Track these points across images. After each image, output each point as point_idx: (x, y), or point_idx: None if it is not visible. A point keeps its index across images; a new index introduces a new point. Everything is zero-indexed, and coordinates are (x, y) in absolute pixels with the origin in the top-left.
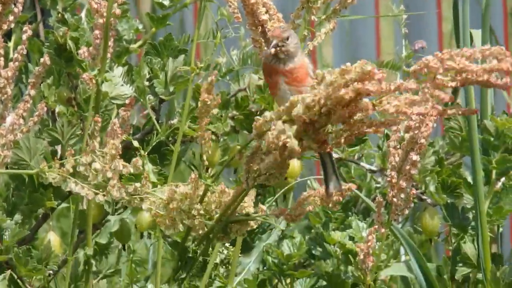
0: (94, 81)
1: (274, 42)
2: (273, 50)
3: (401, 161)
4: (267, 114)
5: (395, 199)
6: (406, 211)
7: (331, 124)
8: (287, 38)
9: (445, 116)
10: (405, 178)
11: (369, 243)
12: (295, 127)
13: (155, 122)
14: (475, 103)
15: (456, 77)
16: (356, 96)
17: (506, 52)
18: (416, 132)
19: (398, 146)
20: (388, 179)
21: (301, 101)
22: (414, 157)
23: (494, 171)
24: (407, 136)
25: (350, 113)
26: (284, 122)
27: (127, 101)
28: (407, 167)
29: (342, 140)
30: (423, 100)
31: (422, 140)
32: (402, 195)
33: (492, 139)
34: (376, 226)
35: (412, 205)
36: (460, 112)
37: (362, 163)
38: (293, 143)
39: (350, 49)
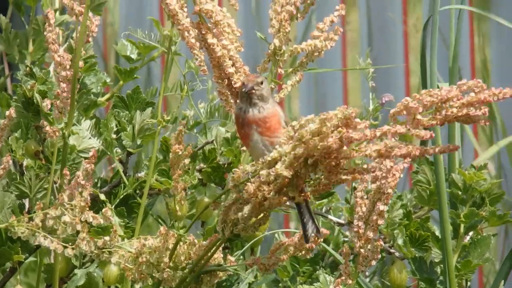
0: (60, 134)
1: (250, 85)
2: (248, 91)
3: (368, 211)
4: (247, 167)
5: (362, 250)
6: (373, 262)
7: (313, 173)
8: (261, 83)
9: (427, 155)
10: (372, 229)
11: None
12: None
13: (123, 175)
14: (443, 156)
15: (436, 115)
16: (341, 144)
17: (483, 85)
18: (383, 182)
19: (365, 197)
20: (355, 229)
21: (286, 156)
22: (381, 207)
23: (462, 225)
24: (373, 186)
25: (337, 161)
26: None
27: (90, 154)
28: (374, 218)
29: (320, 188)
30: (404, 143)
31: (389, 190)
32: (369, 246)
33: (460, 193)
34: (343, 278)
35: (379, 256)
36: (440, 151)
37: (330, 216)
38: (275, 196)
39: (318, 102)
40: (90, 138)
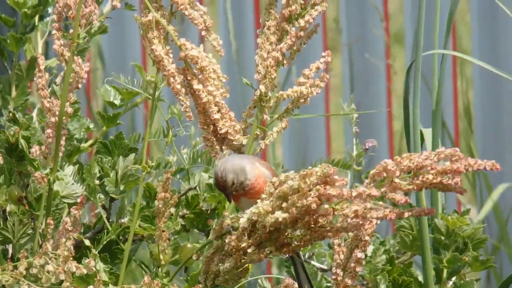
0: (46, 180)
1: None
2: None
3: (346, 258)
4: (227, 220)
5: None
6: None
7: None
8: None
9: (403, 218)
10: (350, 276)
11: None
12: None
13: (106, 221)
14: (426, 201)
15: (413, 180)
16: (320, 202)
17: (460, 154)
18: (360, 229)
19: (342, 244)
20: (334, 277)
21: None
22: (359, 254)
23: (445, 270)
24: (351, 234)
25: (315, 219)
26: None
27: (78, 200)
28: (352, 265)
29: (302, 243)
30: (382, 205)
31: (366, 238)
32: None
33: (443, 238)
34: None
35: None
36: (417, 213)
37: (313, 262)
38: (253, 253)
39: (300, 147)
40: (73, 184)
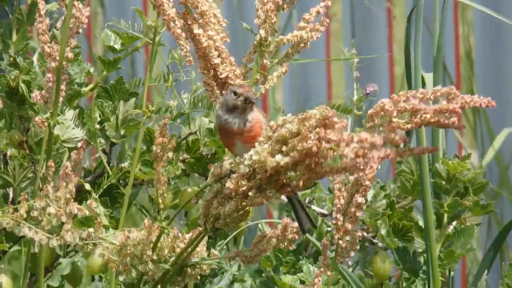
0: (46, 124)
1: (250, 95)
2: (251, 102)
3: (346, 203)
4: (226, 164)
5: (340, 242)
6: (352, 254)
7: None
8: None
9: (403, 157)
10: (350, 221)
11: (315, 287)
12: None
13: (106, 165)
14: (427, 145)
15: (411, 119)
16: (319, 145)
17: (456, 92)
18: (360, 174)
19: (343, 189)
20: (334, 221)
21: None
22: (359, 199)
23: (445, 215)
24: (351, 178)
25: (316, 161)
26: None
27: (79, 144)
28: (352, 210)
29: (301, 183)
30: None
31: (367, 182)
32: (348, 238)
33: (443, 182)
34: (322, 269)
35: (358, 247)
36: (418, 152)
37: (313, 207)
38: (254, 196)
39: (301, 92)
40: (73, 128)
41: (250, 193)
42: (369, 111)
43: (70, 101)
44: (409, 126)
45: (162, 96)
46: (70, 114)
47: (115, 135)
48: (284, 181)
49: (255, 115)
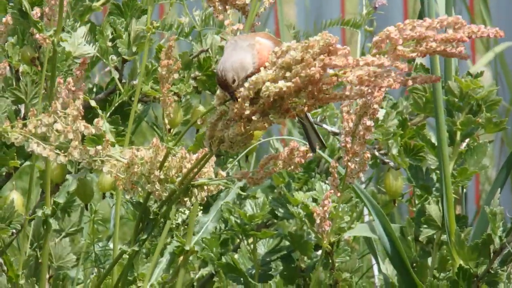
0: (49, 41)
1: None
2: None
3: (354, 125)
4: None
5: (349, 164)
6: (361, 175)
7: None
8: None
9: (409, 86)
10: (359, 143)
11: (325, 208)
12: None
13: (118, 82)
14: (440, 63)
15: (416, 47)
16: (324, 72)
17: (463, 21)
18: (368, 98)
19: (351, 111)
20: (343, 144)
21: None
22: (368, 122)
23: (458, 132)
24: (359, 101)
25: (319, 88)
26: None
27: (80, 61)
28: (361, 132)
29: (306, 109)
30: (387, 71)
31: (375, 106)
32: (357, 159)
33: (456, 100)
34: (331, 190)
35: (367, 168)
36: (421, 81)
37: (324, 125)
38: (257, 120)
39: (313, 8)
40: (85, 44)
41: (253, 118)
42: (374, 39)
43: (82, 16)
44: (414, 54)
45: (173, 13)
46: (81, 30)
47: (127, 52)
48: (289, 105)
49: (258, 52)
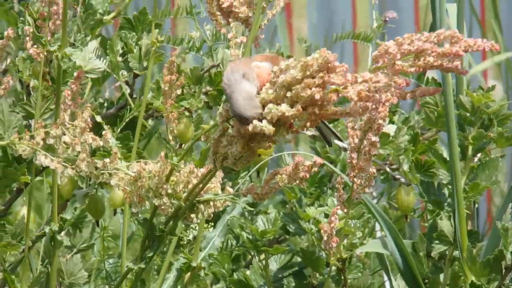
0: (41, 56)
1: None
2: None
3: (359, 140)
4: None
5: (356, 179)
6: (372, 190)
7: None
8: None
9: (408, 99)
10: (364, 159)
11: (332, 224)
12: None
13: (128, 97)
14: (452, 77)
15: (415, 62)
16: (323, 88)
17: (459, 35)
18: (373, 113)
19: (355, 127)
20: (348, 160)
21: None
22: (373, 138)
23: (470, 147)
24: (364, 118)
25: (320, 106)
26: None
27: (75, 74)
28: (366, 148)
29: (308, 124)
30: (386, 86)
31: (380, 121)
32: (363, 175)
33: (468, 114)
34: (338, 206)
35: (374, 184)
36: (420, 94)
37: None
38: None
39: (325, 22)
40: (95, 59)
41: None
42: (374, 53)
43: (93, 30)
44: (412, 69)
45: (183, 28)
46: (92, 44)
47: (138, 67)
48: (291, 123)
49: (257, 75)
